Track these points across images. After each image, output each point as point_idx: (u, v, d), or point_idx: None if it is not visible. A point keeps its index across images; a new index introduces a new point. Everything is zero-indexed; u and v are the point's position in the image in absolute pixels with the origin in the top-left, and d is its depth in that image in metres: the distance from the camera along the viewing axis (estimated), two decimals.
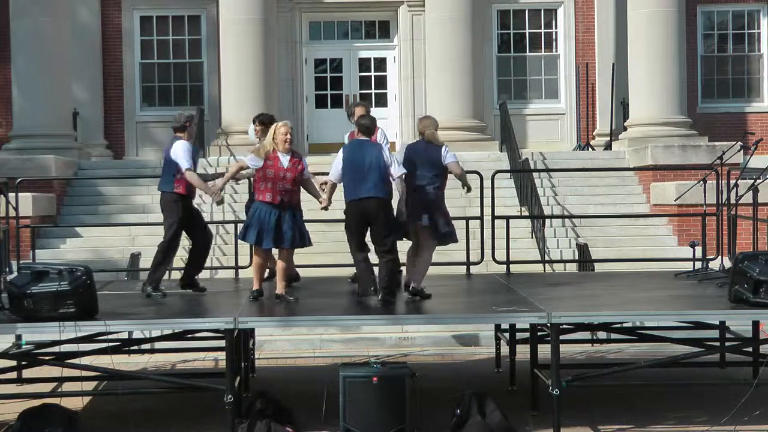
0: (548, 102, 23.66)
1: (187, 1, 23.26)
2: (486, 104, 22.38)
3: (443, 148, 10.07)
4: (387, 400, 8.65)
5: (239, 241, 10.86)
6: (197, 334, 11.16)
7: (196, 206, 10.97)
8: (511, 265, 13.02)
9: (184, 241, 11.07)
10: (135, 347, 11.69)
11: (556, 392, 8.73)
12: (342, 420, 8.68)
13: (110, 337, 10.30)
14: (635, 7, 20.66)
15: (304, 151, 21.36)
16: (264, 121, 11.39)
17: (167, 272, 11.26)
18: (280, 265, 10.09)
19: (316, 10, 23.33)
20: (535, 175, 17.67)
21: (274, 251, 10.26)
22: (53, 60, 19.73)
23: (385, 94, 23.45)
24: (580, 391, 9.75)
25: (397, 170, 9.79)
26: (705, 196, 12.93)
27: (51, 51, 19.70)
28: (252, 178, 10.62)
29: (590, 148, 22.09)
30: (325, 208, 10.20)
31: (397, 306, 9.94)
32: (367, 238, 9.89)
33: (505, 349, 11.23)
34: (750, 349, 10.75)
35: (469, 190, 10.23)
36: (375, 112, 22.07)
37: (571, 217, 17.05)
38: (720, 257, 12.79)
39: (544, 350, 9.41)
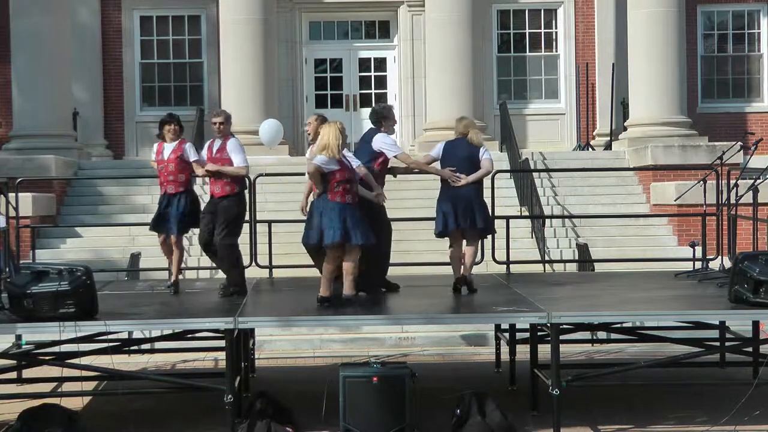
0: (548, 102, 23.66)
1: (187, 1, 23.27)
2: (486, 104, 22.38)
3: (482, 149, 10.44)
4: (387, 400, 8.65)
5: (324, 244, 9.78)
6: (197, 334, 11.16)
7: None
8: (511, 265, 13.03)
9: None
10: (135, 347, 11.68)
11: (556, 392, 8.73)
12: (342, 420, 8.68)
13: (110, 337, 10.29)
14: (635, 7, 20.66)
15: (303, 150, 21.35)
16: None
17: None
18: (350, 265, 9.62)
19: (316, 10, 23.34)
20: (535, 175, 17.66)
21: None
22: (53, 60, 19.73)
23: (385, 94, 23.43)
24: (580, 391, 9.75)
25: None
26: (705, 196, 12.92)
27: (51, 51, 19.70)
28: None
29: (590, 148, 22.10)
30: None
31: (397, 306, 9.95)
32: None
33: (505, 349, 11.24)
34: (750, 349, 10.75)
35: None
36: None
37: (571, 217, 17.05)
38: (720, 257, 12.79)
39: (544, 350, 9.41)
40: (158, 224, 10.76)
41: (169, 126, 10.73)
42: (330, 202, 9.45)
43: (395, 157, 10.46)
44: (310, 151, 10.61)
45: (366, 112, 22.22)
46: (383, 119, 10.50)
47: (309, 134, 10.56)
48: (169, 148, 10.72)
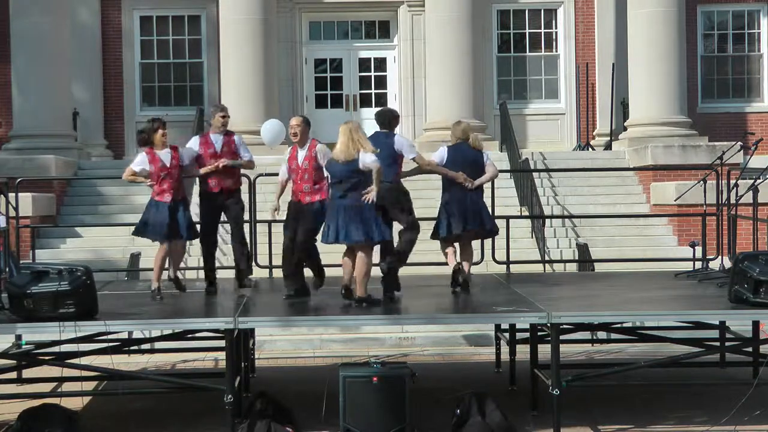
0: (548, 102, 23.66)
1: (187, 1, 23.27)
2: (486, 104, 22.38)
3: (485, 153, 10.72)
4: (387, 400, 8.65)
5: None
6: (197, 334, 11.16)
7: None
8: (511, 265, 13.03)
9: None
10: (135, 347, 11.69)
11: (556, 392, 8.73)
12: (342, 420, 8.68)
13: (110, 337, 10.30)
14: (635, 7, 20.67)
15: None
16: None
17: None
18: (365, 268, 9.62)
19: (316, 10, 23.33)
20: (535, 175, 17.67)
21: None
22: (53, 60, 19.73)
23: (385, 94, 23.43)
24: (580, 391, 9.76)
25: None
26: (705, 196, 12.93)
27: (51, 51, 19.70)
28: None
29: (590, 148, 22.10)
30: None
31: (397, 306, 9.95)
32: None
33: (505, 349, 11.24)
34: (750, 349, 10.75)
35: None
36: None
37: (571, 217, 17.05)
38: (720, 257, 12.79)
39: (544, 350, 9.41)
40: (172, 233, 10.41)
41: (164, 130, 10.41)
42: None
43: (412, 159, 10.44)
44: (291, 150, 10.54)
45: (366, 112, 22.41)
46: (394, 119, 10.51)
47: (296, 136, 10.45)
48: (165, 154, 10.39)
